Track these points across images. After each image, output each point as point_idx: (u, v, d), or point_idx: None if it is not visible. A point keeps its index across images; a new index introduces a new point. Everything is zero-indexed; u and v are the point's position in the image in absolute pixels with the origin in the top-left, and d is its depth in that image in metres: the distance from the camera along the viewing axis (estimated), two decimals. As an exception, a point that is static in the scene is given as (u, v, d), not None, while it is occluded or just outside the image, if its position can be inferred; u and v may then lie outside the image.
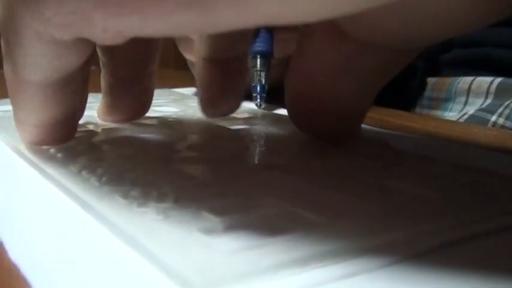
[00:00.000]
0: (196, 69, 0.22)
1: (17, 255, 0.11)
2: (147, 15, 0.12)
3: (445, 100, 0.43)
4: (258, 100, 0.31)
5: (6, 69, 0.16)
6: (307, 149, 0.19)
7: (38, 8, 0.13)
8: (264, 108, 0.31)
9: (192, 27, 0.12)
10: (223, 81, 0.21)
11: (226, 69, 0.21)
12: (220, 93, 0.21)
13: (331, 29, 0.17)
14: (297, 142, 0.20)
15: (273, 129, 0.23)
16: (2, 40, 0.15)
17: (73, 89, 0.17)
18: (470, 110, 0.40)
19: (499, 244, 0.12)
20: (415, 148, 0.19)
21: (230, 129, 0.22)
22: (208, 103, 0.21)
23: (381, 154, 0.18)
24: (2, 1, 0.14)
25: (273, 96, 0.31)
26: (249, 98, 0.30)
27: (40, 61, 0.15)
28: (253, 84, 0.31)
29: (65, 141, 0.18)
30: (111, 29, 0.13)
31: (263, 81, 0.31)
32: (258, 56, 0.31)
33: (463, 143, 0.22)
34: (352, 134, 0.20)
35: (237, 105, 0.22)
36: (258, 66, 0.31)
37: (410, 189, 0.14)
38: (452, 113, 0.42)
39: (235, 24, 0.11)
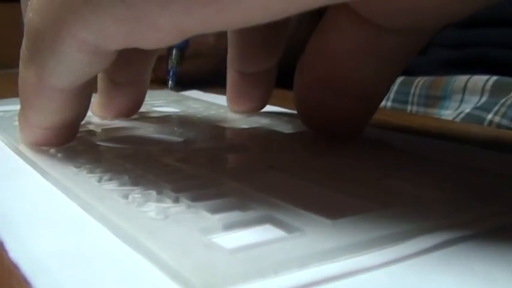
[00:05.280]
0: (228, 75, 0.26)
1: (17, 255, 0.11)
2: (219, 5, 0.12)
3: (442, 98, 0.43)
4: (170, 83, 0.42)
5: (28, 72, 0.16)
6: (307, 148, 0.19)
7: (95, 18, 0.13)
8: (176, 90, 0.41)
9: (260, 15, 0.12)
10: (249, 89, 0.25)
11: (252, 80, 0.25)
12: (245, 97, 0.25)
13: (351, 14, 0.17)
14: (297, 141, 0.20)
15: (273, 129, 0.23)
16: (28, 44, 0.15)
17: (87, 93, 0.17)
18: (466, 108, 0.40)
19: (499, 244, 0.12)
20: (416, 148, 0.19)
21: (230, 128, 0.22)
22: (233, 103, 0.26)
23: (381, 154, 0.18)
24: (44, 9, 0.14)
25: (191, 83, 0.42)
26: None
27: (72, 69, 0.15)
28: (168, 70, 0.42)
29: (66, 143, 0.18)
30: (174, 29, 0.13)
31: (175, 69, 0.42)
32: (174, 48, 0.42)
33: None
34: (362, 128, 0.20)
35: (261, 106, 0.26)
36: (173, 56, 0.42)
37: (410, 190, 0.14)
38: (448, 111, 0.42)
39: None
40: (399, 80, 0.45)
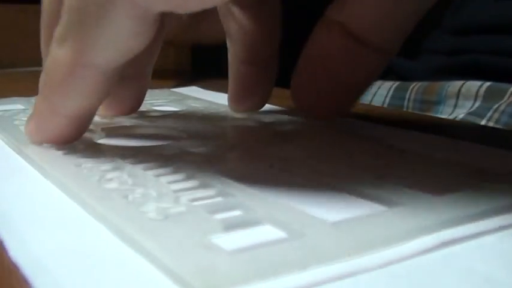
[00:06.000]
0: (230, 70, 0.26)
1: (16, 254, 0.11)
2: None
3: (436, 103, 0.43)
4: None
5: (63, 51, 0.16)
6: (307, 148, 0.19)
7: None
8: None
9: None
10: (251, 84, 0.26)
11: (256, 73, 0.25)
12: (247, 94, 0.26)
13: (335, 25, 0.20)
14: (298, 141, 0.20)
15: (273, 128, 0.23)
16: (68, 19, 0.15)
17: (116, 78, 0.17)
18: (460, 113, 0.40)
19: (499, 243, 0.12)
20: (415, 145, 0.19)
21: (230, 128, 0.22)
22: (235, 100, 0.26)
23: (381, 152, 0.18)
24: None
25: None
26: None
27: (115, 41, 0.15)
28: None
29: (76, 139, 0.18)
30: None
31: None
32: None
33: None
34: (351, 106, 0.23)
35: (262, 103, 0.26)
36: None
37: (411, 189, 0.14)
38: (442, 116, 0.42)
39: None
40: (395, 85, 0.46)
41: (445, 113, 0.42)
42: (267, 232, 0.12)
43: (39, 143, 0.18)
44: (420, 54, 0.46)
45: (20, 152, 0.19)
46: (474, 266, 0.10)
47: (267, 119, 0.25)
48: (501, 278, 0.10)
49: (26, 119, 0.24)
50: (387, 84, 0.46)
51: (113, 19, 0.15)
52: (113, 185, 0.14)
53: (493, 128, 0.35)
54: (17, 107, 0.28)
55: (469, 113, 0.39)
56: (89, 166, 0.16)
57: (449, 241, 0.11)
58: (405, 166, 0.17)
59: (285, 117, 0.26)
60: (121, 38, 0.15)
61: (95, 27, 0.15)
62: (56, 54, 0.16)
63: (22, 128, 0.22)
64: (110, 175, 0.15)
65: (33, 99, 0.30)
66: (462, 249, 0.11)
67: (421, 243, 0.11)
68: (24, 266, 0.10)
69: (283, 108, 0.28)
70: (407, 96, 0.45)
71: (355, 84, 0.22)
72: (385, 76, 0.47)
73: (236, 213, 0.13)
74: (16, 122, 0.24)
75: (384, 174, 0.16)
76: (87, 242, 0.12)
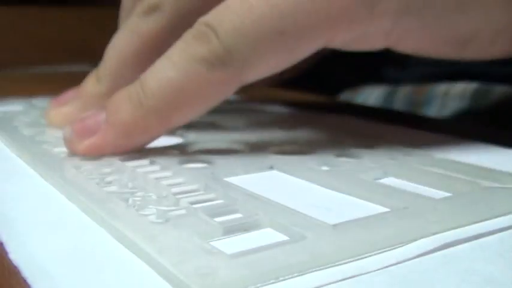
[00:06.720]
0: None
1: (17, 256, 0.11)
2: None
3: (424, 103, 0.43)
4: None
5: (220, 71, 0.16)
6: (307, 148, 0.19)
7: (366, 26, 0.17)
8: None
9: None
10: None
11: None
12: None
13: None
14: (297, 141, 0.20)
15: (273, 128, 0.23)
16: (229, 43, 0.16)
17: None
18: (446, 113, 0.40)
19: (500, 244, 0.12)
20: (415, 145, 0.19)
21: (230, 129, 0.22)
22: None
23: (381, 152, 0.18)
24: (300, 14, 0.16)
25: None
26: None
27: (284, 64, 0.17)
28: None
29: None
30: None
31: None
32: None
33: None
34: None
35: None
36: None
37: (411, 189, 0.14)
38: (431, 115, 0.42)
39: None
40: (384, 91, 0.46)
41: (431, 113, 0.42)
42: (268, 235, 0.12)
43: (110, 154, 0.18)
44: (409, 63, 0.47)
45: (19, 154, 0.19)
46: (474, 266, 0.10)
47: (267, 119, 0.25)
48: (501, 279, 0.10)
49: (25, 120, 0.24)
50: (377, 90, 0.46)
51: (303, 50, 0.17)
52: (112, 188, 0.14)
53: (493, 127, 0.35)
54: (17, 109, 0.28)
55: (454, 114, 0.40)
56: (89, 169, 0.16)
57: (449, 243, 0.11)
58: (405, 166, 0.17)
59: (285, 117, 0.26)
60: (290, 62, 0.17)
61: (281, 54, 0.17)
62: (199, 73, 0.17)
63: (22, 129, 0.22)
64: (109, 178, 0.15)
65: (33, 101, 0.30)
66: (462, 250, 0.11)
67: (422, 244, 0.11)
68: (24, 268, 0.10)
69: (283, 108, 0.28)
70: (396, 99, 0.45)
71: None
72: (375, 84, 0.47)
73: (236, 216, 0.12)
74: (16, 124, 0.24)
75: (384, 175, 0.16)
76: (87, 245, 0.12)
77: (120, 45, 0.22)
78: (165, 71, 0.17)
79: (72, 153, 0.18)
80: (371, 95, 0.46)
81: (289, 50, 0.17)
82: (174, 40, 0.22)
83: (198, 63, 0.17)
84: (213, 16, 0.17)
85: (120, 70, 0.22)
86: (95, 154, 0.17)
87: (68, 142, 0.18)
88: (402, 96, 0.44)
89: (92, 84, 0.23)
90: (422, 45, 0.20)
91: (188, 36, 0.17)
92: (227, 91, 0.17)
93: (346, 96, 0.46)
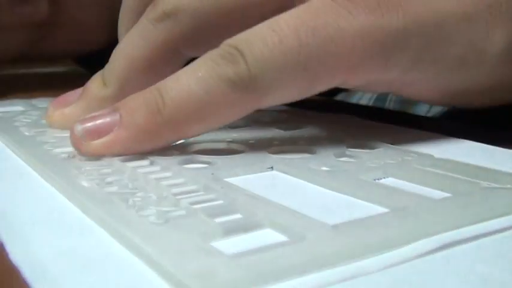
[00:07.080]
0: None
1: (17, 257, 0.11)
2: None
3: (414, 102, 0.43)
4: None
5: (240, 93, 0.17)
6: (307, 148, 0.19)
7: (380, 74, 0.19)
8: None
9: None
10: None
11: None
12: None
13: None
14: (297, 142, 0.20)
15: (273, 129, 0.23)
16: (260, 69, 0.17)
17: None
18: (436, 112, 0.40)
19: (499, 245, 0.12)
20: (415, 145, 0.19)
21: (230, 129, 0.22)
22: None
23: (380, 152, 0.18)
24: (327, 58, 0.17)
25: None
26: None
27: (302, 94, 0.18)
28: None
29: None
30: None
31: None
32: None
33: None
34: None
35: None
36: None
37: (411, 189, 0.14)
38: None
39: None
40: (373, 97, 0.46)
41: (420, 111, 0.42)
42: (267, 236, 0.12)
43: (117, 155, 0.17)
44: None
45: (20, 155, 0.19)
46: (474, 267, 0.10)
47: (267, 119, 0.25)
48: (501, 279, 0.10)
49: (26, 120, 0.24)
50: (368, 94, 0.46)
51: (319, 83, 0.18)
52: (113, 188, 0.14)
53: (492, 128, 0.35)
54: (17, 109, 0.28)
55: (444, 113, 0.40)
56: (89, 169, 0.16)
57: (449, 243, 0.11)
58: (405, 167, 0.17)
59: (285, 116, 0.26)
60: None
61: (301, 86, 0.18)
62: (224, 91, 0.17)
63: (22, 129, 0.22)
64: (110, 178, 0.15)
65: (33, 101, 0.30)
66: (462, 250, 0.11)
67: (422, 245, 0.11)
68: (24, 269, 0.10)
69: (283, 108, 0.28)
70: (387, 99, 0.45)
71: None
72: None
73: (236, 216, 0.13)
74: (16, 124, 0.24)
75: (383, 175, 0.16)
76: (87, 246, 0.12)
77: (130, 50, 0.22)
78: (189, 83, 0.17)
79: (79, 151, 0.18)
80: (365, 95, 0.46)
81: (309, 85, 0.18)
82: (183, 50, 0.22)
83: (223, 82, 0.17)
84: (241, 40, 0.17)
85: (129, 75, 0.22)
86: (103, 154, 0.17)
87: (76, 140, 0.18)
88: (394, 96, 0.44)
89: (97, 86, 0.22)
90: (419, 94, 0.22)
91: (215, 54, 0.17)
92: (243, 112, 0.18)
93: (341, 97, 0.47)
